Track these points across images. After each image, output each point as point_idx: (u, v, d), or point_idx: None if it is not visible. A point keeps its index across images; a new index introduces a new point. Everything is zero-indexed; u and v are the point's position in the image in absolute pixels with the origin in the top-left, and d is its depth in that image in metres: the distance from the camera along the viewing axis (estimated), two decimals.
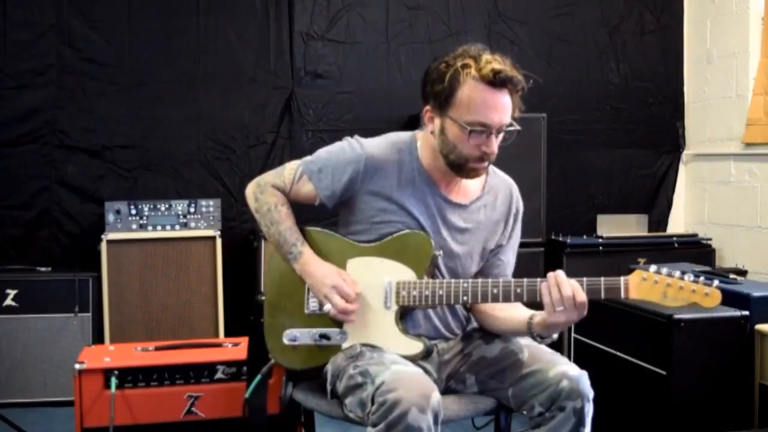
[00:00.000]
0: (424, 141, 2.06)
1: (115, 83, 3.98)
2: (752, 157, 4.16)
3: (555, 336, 1.98)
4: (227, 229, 4.00)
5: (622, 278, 1.87)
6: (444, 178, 2.05)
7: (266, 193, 2.12)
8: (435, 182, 2.05)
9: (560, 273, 1.87)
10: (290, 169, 2.12)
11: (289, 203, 2.12)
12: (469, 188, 2.10)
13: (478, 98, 1.90)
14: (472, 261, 2.10)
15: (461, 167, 1.98)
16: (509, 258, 2.18)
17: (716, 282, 1.80)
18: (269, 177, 2.15)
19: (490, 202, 2.12)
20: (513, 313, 2.03)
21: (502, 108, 1.92)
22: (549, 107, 4.24)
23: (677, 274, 1.81)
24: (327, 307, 2.00)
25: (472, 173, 2.00)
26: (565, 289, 1.84)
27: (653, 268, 1.84)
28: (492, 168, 2.15)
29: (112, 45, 3.97)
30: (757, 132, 4.11)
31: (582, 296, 1.84)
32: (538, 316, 1.92)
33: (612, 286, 1.86)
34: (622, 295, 1.86)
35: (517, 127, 1.96)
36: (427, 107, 2.00)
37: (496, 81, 1.89)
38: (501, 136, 1.96)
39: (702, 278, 1.81)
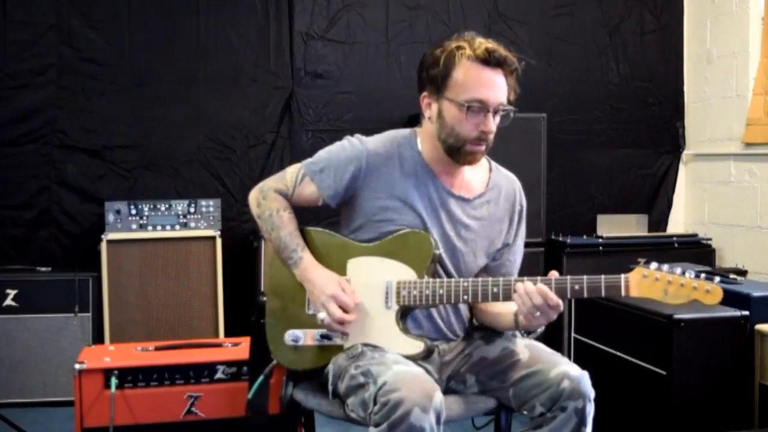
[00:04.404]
0: (423, 134, 2.07)
1: (115, 83, 3.98)
2: (752, 157, 4.17)
3: (542, 328, 1.99)
4: (227, 229, 3.99)
5: (622, 276, 1.87)
6: (446, 170, 2.06)
7: (268, 199, 2.12)
8: (437, 175, 2.06)
9: (528, 284, 1.88)
10: (292, 172, 2.12)
11: (292, 208, 2.12)
12: (472, 184, 2.11)
13: (473, 76, 1.93)
14: (476, 258, 2.10)
15: (459, 151, 1.98)
16: (516, 258, 2.19)
17: (717, 279, 1.80)
18: (271, 182, 2.15)
19: (494, 199, 2.13)
20: (502, 309, 2.05)
21: (498, 86, 1.94)
22: (549, 107, 4.24)
23: (678, 271, 1.81)
24: (321, 315, 1.98)
25: (469, 157, 2.00)
26: (536, 298, 1.85)
27: (654, 265, 1.84)
28: (495, 165, 2.17)
29: (112, 45, 3.97)
30: (757, 132, 4.11)
31: (553, 299, 1.85)
32: (522, 319, 1.94)
33: (612, 284, 1.86)
34: (623, 293, 1.86)
35: (514, 109, 1.98)
36: (425, 93, 2.02)
37: (491, 59, 1.92)
38: (498, 118, 1.97)
39: (703, 275, 1.81)
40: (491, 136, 1.98)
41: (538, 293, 1.86)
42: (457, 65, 1.94)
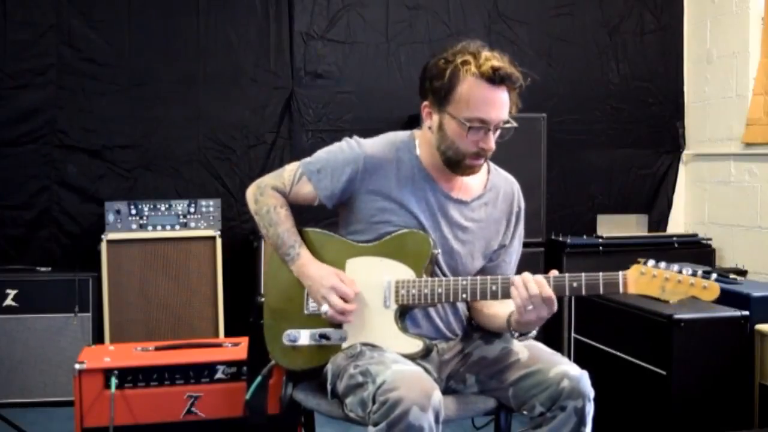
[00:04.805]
0: (422, 139, 2.07)
1: (115, 83, 3.98)
2: (752, 157, 4.16)
3: (534, 332, 1.99)
4: (227, 229, 3.99)
5: (620, 273, 1.87)
6: (443, 175, 2.06)
7: (266, 195, 2.12)
8: (435, 179, 2.06)
9: (527, 274, 1.89)
10: (290, 170, 2.13)
11: (289, 205, 2.13)
12: (470, 186, 2.11)
13: (477, 95, 1.91)
14: (473, 259, 2.10)
15: (458, 164, 1.99)
16: (512, 259, 2.19)
17: (714, 276, 1.81)
18: (269, 179, 2.16)
19: (492, 200, 2.13)
20: (497, 311, 2.05)
21: (501, 105, 1.94)
22: (549, 107, 4.23)
23: (675, 268, 1.83)
24: (324, 308, 1.99)
25: (468, 170, 2.01)
26: (532, 287, 1.85)
27: (651, 262, 1.85)
28: (494, 166, 2.17)
29: (112, 45, 3.97)
30: (757, 132, 4.10)
31: (547, 291, 1.85)
32: (516, 314, 1.93)
33: (610, 280, 1.87)
34: (621, 289, 1.86)
35: (514, 124, 1.97)
36: (426, 103, 2.01)
37: (496, 78, 1.91)
38: (498, 132, 1.97)
39: (700, 272, 1.82)
40: (490, 152, 1.99)
41: (535, 282, 1.86)
42: (462, 81, 1.92)
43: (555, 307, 1.87)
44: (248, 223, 4.06)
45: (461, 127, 1.93)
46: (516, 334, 2.01)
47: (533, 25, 4.45)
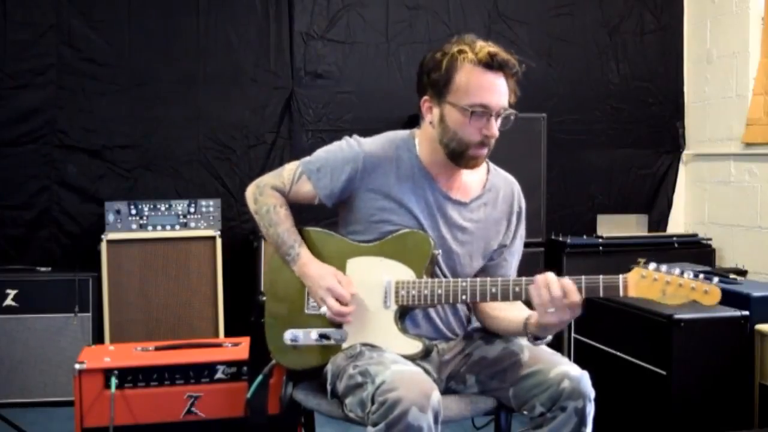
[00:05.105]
0: (422, 137, 2.07)
1: (115, 83, 3.98)
2: (752, 157, 4.17)
3: (549, 337, 1.96)
4: (227, 229, 4.00)
5: (620, 276, 1.86)
6: (443, 174, 2.06)
7: (265, 195, 2.13)
8: (434, 178, 2.06)
9: (550, 274, 1.85)
10: (289, 170, 2.13)
11: (289, 204, 2.13)
12: (469, 186, 2.10)
13: (475, 81, 1.92)
14: (472, 260, 2.10)
15: (462, 155, 1.98)
16: (513, 259, 2.18)
17: (716, 279, 1.80)
18: (268, 178, 2.16)
19: (491, 201, 2.12)
20: (511, 314, 2.03)
21: (500, 90, 1.94)
22: (549, 107, 4.24)
23: (676, 271, 1.81)
24: (323, 309, 2.00)
25: (471, 162, 2.00)
26: (555, 290, 1.81)
27: (652, 265, 1.84)
28: (494, 166, 2.17)
29: (112, 45, 3.98)
30: (757, 132, 4.11)
31: (575, 297, 1.81)
32: (534, 317, 1.91)
33: (611, 284, 1.85)
34: (621, 293, 1.85)
35: (515, 112, 1.98)
36: (425, 97, 2.01)
37: (493, 63, 1.92)
38: (500, 120, 1.97)
39: (701, 276, 1.81)
40: (493, 140, 1.98)
41: (559, 285, 1.82)
42: (460, 69, 1.93)
43: (579, 312, 1.82)
44: (248, 223, 4.06)
45: (463, 114, 1.93)
46: (531, 339, 1.96)
47: (533, 25, 4.45)
